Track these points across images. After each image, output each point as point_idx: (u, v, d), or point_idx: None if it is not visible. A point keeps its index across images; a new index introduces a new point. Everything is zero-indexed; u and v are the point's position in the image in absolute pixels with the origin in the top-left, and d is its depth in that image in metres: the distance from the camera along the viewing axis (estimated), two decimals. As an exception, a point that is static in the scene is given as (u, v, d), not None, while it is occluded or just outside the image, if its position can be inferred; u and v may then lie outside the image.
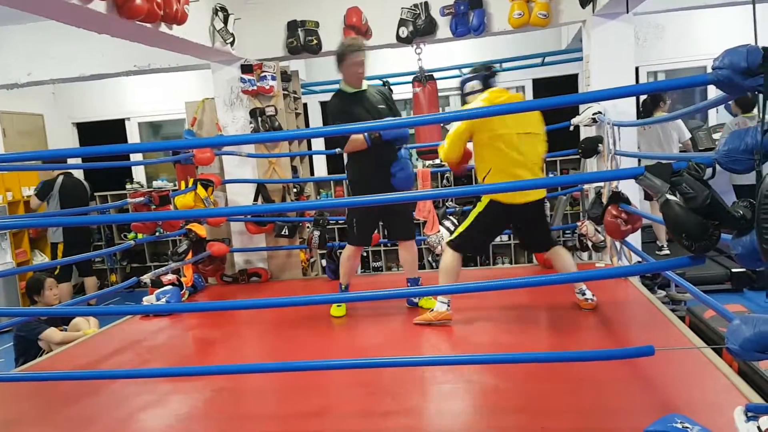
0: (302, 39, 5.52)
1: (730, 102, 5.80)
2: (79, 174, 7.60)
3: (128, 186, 8.80)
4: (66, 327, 4.72)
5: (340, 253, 4.63)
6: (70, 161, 7.37)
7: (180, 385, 3.20)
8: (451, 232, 5.38)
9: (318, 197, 6.65)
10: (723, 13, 6.73)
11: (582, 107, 5.03)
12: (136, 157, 7.16)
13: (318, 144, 8.33)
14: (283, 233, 5.69)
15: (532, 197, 3.71)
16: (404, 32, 5.40)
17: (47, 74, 6.56)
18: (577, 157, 5.32)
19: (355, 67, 4.10)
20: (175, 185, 7.92)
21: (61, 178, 6.92)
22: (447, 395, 2.85)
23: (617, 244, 4.61)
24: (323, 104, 8.58)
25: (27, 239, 7.84)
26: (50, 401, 3.20)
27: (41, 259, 7.91)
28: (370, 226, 4.33)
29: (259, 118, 5.57)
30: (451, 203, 5.68)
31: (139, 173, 9.20)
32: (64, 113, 9.20)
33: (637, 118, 6.20)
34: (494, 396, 2.83)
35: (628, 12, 4.53)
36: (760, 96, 1.75)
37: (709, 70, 1.90)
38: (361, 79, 4.19)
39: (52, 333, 4.45)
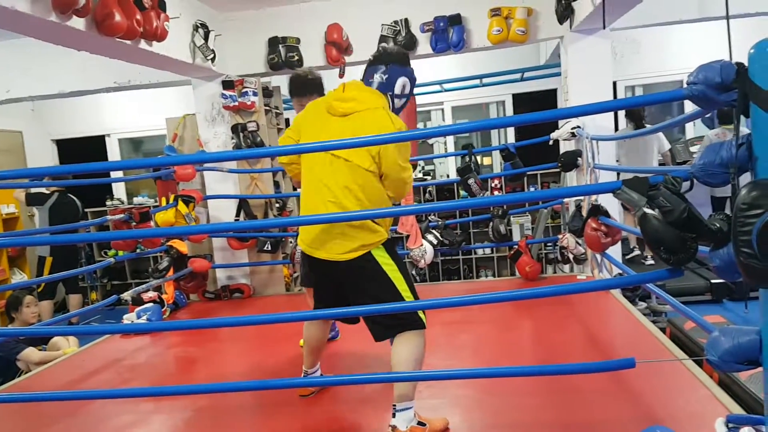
0: (283, 55, 5.53)
1: (708, 116, 5.89)
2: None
3: (108, 203, 8.73)
4: (45, 346, 4.66)
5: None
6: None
7: (161, 405, 3.16)
8: (434, 246, 5.41)
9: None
10: (698, 29, 6.85)
11: (561, 121, 5.09)
12: (116, 173, 7.10)
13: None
14: (265, 249, 5.67)
15: (326, 254, 2.63)
16: (385, 48, 5.43)
17: (26, 91, 6.52)
18: (558, 170, 5.37)
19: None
20: (155, 201, 7.87)
21: (55, 195, 6.87)
22: (432, 410, 2.84)
23: (598, 256, 4.65)
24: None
25: (6, 257, 7.74)
26: (29, 422, 3.14)
27: (20, 277, 7.80)
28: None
29: (241, 134, 5.57)
30: (433, 217, 5.70)
31: (119, 190, 9.13)
32: (43, 130, 9.12)
33: (616, 132, 6.29)
34: (478, 410, 2.83)
35: (605, 28, 4.59)
36: (734, 110, 1.79)
37: (685, 85, 1.93)
38: None
39: (30, 353, 4.38)
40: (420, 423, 2.56)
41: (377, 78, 2.70)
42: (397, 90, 2.73)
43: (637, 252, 6.85)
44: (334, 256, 2.62)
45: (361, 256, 2.61)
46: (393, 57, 2.74)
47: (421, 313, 2.63)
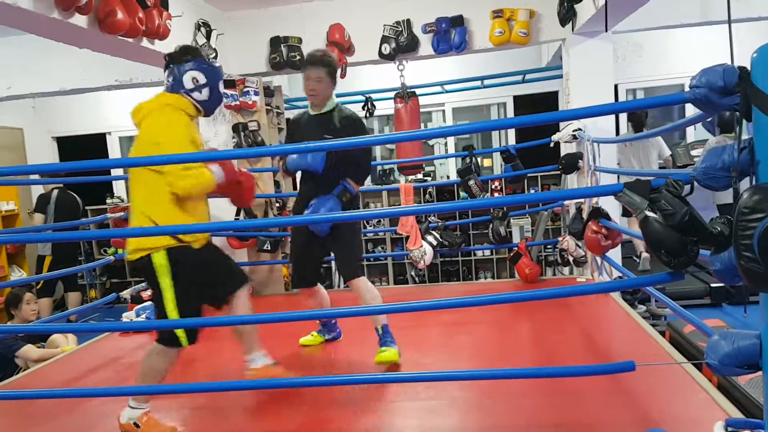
0: (285, 55, 5.53)
1: (709, 120, 5.90)
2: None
3: (108, 200, 8.72)
4: (43, 344, 4.65)
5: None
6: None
7: (159, 403, 3.15)
8: (434, 247, 5.41)
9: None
10: (700, 32, 6.86)
11: (562, 124, 5.09)
12: (116, 171, 7.08)
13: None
14: (265, 248, 5.66)
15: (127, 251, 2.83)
16: (387, 49, 5.44)
17: (27, 88, 6.51)
18: (558, 172, 5.37)
19: (305, 83, 3.51)
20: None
21: (55, 192, 6.87)
22: (430, 411, 2.84)
23: (598, 259, 4.65)
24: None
25: (5, 254, 7.74)
26: (27, 419, 3.14)
27: (19, 274, 7.80)
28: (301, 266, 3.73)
29: (242, 133, 5.57)
30: (433, 218, 5.70)
31: (119, 188, 9.12)
32: (44, 127, 9.12)
33: (617, 134, 6.29)
34: (477, 412, 2.83)
35: (607, 31, 4.60)
36: (737, 114, 1.78)
37: (687, 89, 1.93)
38: (313, 100, 3.53)
39: (29, 350, 4.38)
40: (136, 424, 2.74)
41: (166, 83, 2.84)
42: (188, 85, 2.80)
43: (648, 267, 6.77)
44: (128, 254, 2.80)
45: (141, 257, 2.74)
46: (171, 58, 2.85)
47: (181, 333, 2.75)
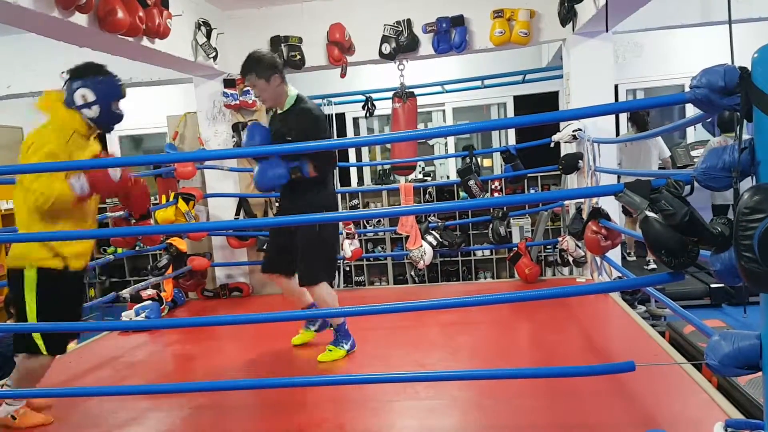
0: (285, 54, 5.52)
1: (708, 120, 5.89)
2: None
3: (108, 200, 8.70)
4: (43, 343, 4.63)
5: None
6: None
7: (159, 403, 3.16)
8: (434, 247, 5.41)
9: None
10: (700, 33, 6.85)
11: (562, 124, 5.09)
12: (116, 170, 7.02)
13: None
14: (265, 248, 5.65)
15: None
16: (387, 48, 5.44)
17: (27, 87, 6.50)
18: (558, 173, 5.37)
19: None
20: (155, 199, 7.86)
21: None
22: (430, 411, 2.84)
23: (597, 259, 4.65)
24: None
25: (4, 253, 7.73)
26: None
27: (18, 273, 7.79)
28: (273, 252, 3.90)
29: (242, 132, 5.56)
30: (433, 218, 5.70)
31: (119, 187, 9.10)
32: (43, 126, 9.10)
33: (617, 135, 6.29)
34: (477, 412, 2.83)
35: (607, 31, 4.59)
36: (737, 115, 1.78)
37: (687, 89, 1.93)
38: (268, 105, 3.75)
39: (28, 349, 4.37)
40: (13, 416, 2.91)
41: (65, 97, 2.89)
42: (78, 102, 2.86)
43: (632, 258, 6.84)
44: (8, 259, 2.90)
45: (13, 267, 2.86)
46: (71, 73, 2.91)
47: (39, 341, 2.84)
